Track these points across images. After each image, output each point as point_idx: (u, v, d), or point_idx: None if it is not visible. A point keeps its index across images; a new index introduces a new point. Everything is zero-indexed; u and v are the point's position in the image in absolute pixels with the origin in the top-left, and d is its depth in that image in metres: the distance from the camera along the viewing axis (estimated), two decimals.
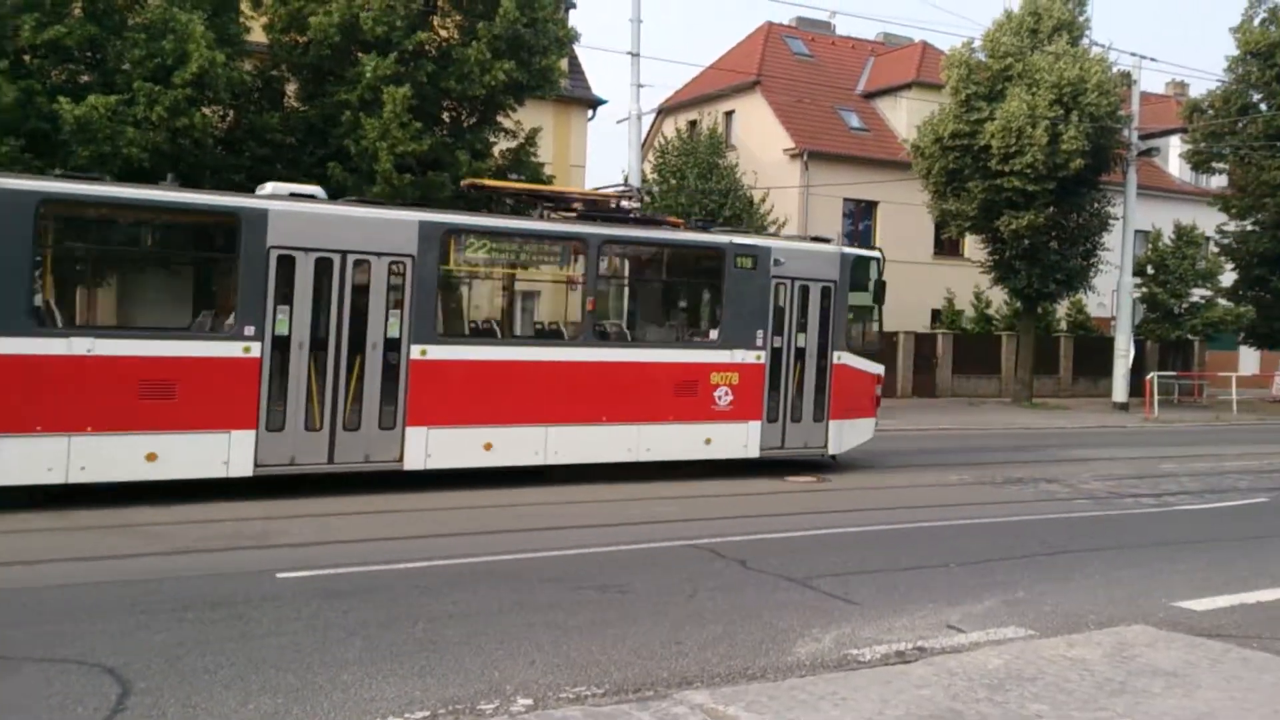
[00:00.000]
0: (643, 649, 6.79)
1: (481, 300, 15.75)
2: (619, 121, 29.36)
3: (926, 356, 33.13)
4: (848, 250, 15.91)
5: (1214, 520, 12.53)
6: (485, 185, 15.88)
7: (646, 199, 25.63)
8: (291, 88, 20.33)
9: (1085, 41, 29.36)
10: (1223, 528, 11.95)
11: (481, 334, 14.24)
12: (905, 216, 35.04)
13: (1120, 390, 30.84)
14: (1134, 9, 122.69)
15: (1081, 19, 29.51)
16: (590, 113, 31.08)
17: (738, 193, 28.40)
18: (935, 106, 30.54)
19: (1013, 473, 16.19)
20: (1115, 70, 29.48)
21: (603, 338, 14.16)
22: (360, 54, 18.69)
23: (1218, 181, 38.50)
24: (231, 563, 8.95)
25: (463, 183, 16.35)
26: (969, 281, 34.81)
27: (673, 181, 28.45)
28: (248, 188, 13.15)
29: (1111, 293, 32.54)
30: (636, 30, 22.13)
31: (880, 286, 16.15)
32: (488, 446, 12.88)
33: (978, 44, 29.34)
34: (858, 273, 15.73)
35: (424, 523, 10.97)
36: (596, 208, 15.08)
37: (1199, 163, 35.46)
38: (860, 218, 36.41)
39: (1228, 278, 35.24)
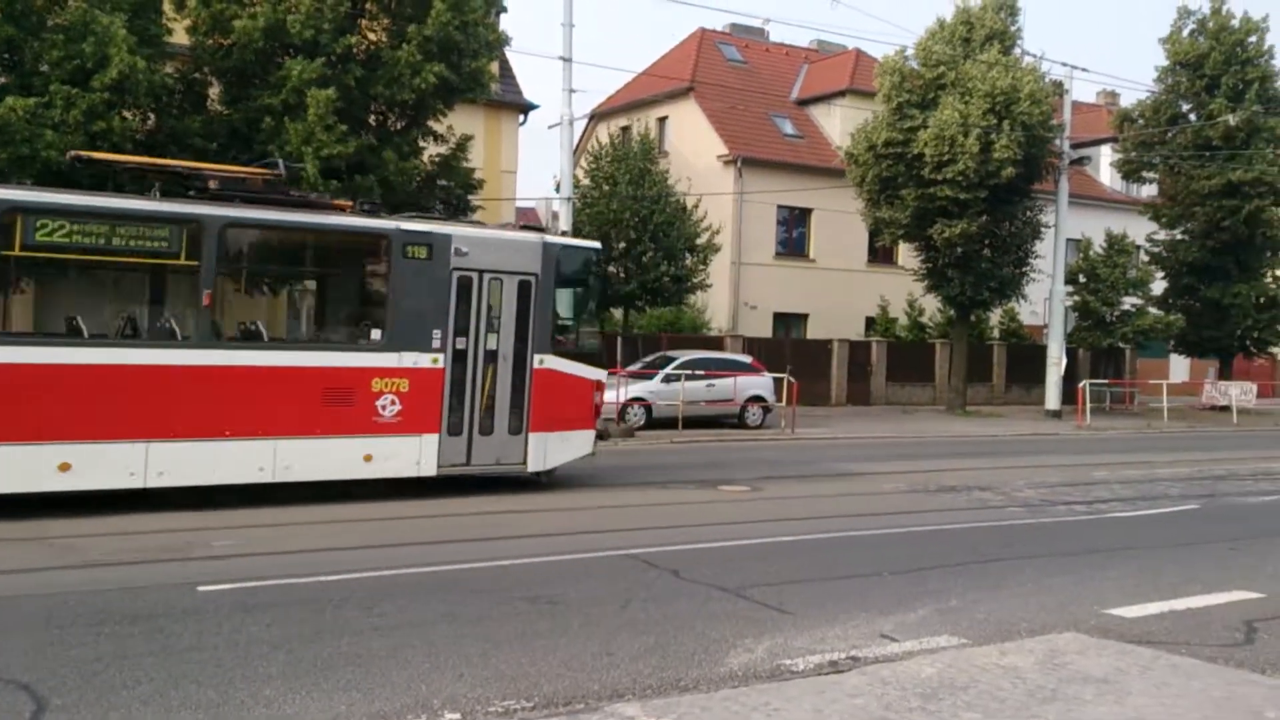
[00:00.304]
0: (573, 661, 6.66)
1: (59, 294, 13.95)
2: (551, 127, 29.18)
3: (861, 364, 33.37)
4: (553, 240, 14.34)
5: (1145, 527, 12.68)
6: (95, 158, 13.74)
7: (576, 204, 25.48)
8: (214, 91, 19.93)
9: (1017, 51, 29.81)
10: (1153, 535, 12.09)
11: (52, 334, 12.41)
12: (840, 224, 35.36)
13: (1053, 398, 31.32)
14: (1065, 20, 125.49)
15: (1013, 28, 29.94)
16: (522, 118, 30.93)
17: (670, 199, 28.37)
18: (869, 114, 30.85)
19: (946, 481, 16.28)
20: (1047, 80, 30.00)
21: (227, 338, 12.62)
22: (286, 58, 18.36)
23: (1148, 190, 39.39)
24: (152, 575, 8.72)
25: (69, 154, 14.16)
26: (903, 289, 35.18)
27: (605, 188, 28.35)
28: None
29: (1044, 301, 33.06)
30: (568, 35, 22.05)
31: (599, 281, 14.80)
32: (64, 467, 10.86)
33: (910, 52, 29.67)
34: (567, 266, 14.11)
35: (350, 534, 10.73)
36: (242, 186, 12.78)
37: (1129, 172, 36.27)
38: (795, 225, 36.66)
39: (1158, 286, 36.03)
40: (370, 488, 12.57)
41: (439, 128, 21.37)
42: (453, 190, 22.35)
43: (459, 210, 22.97)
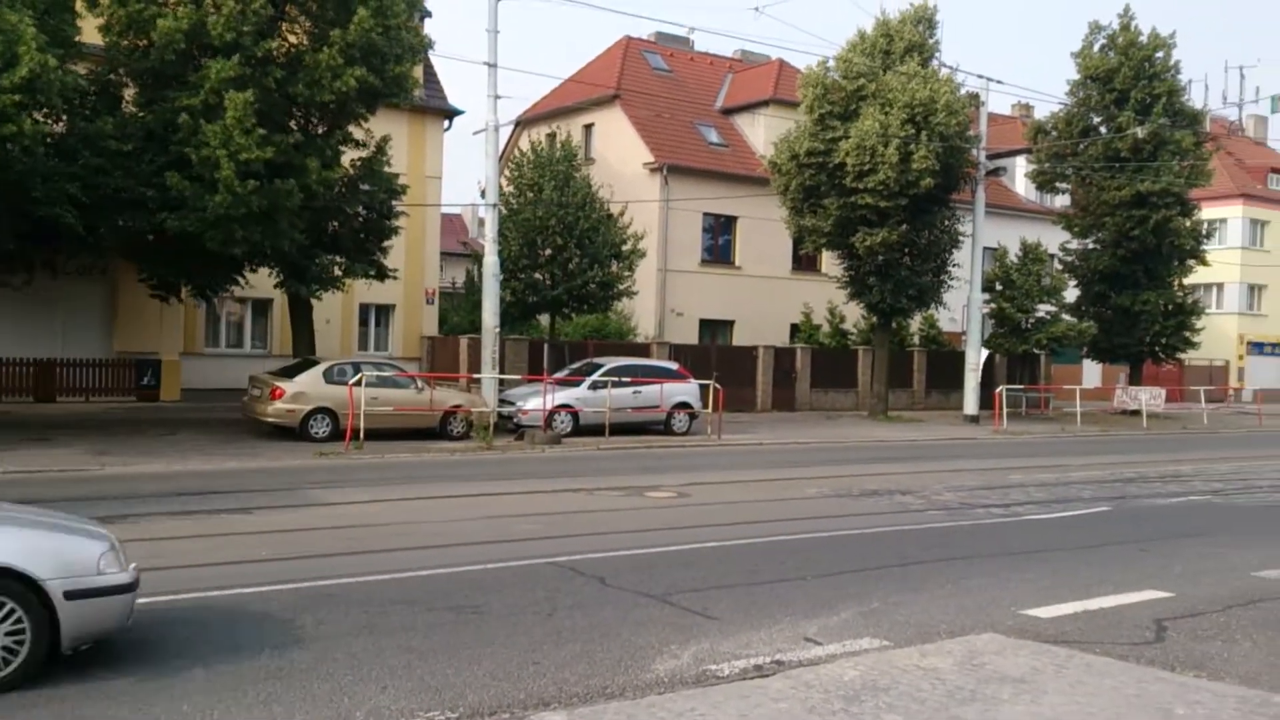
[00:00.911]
0: (499, 670, 6.62)
1: None
2: (476, 133, 29.01)
3: (786, 371, 33.71)
4: None
5: (1059, 529, 12.97)
6: None
7: (502, 210, 25.41)
8: (129, 92, 19.46)
9: (935, 63, 30.39)
10: (1067, 537, 12.37)
11: None
12: (764, 231, 35.72)
13: (971, 403, 31.95)
14: (981, 34, 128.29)
15: (931, 41, 30.54)
16: (446, 123, 30.79)
17: (595, 206, 28.37)
18: (792, 124, 31.21)
19: (869, 485, 16.50)
20: (964, 91, 30.63)
21: None
22: (205, 60, 18.01)
23: (1061, 201, 40.41)
24: None
25: None
26: (826, 296, 35.64)
27: (529, 194, 28.25)
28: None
29: (962, 308, 33.72)
30: (493, 41, 21.95)
31: None
32: None
33: (832, 64, 30.05)
34: None
35: (266, 545, 10.51)
36: None
37: (1043, 182, 37.14)
38: (720, 232, 36.92)
39: (1071, 294, 36.93)
40: (270, 500, 12.37)
41: (359, 133, 21.17)
42: (376, 195, 22.11)
43: (383, 216, 22.73)
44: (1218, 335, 50.49)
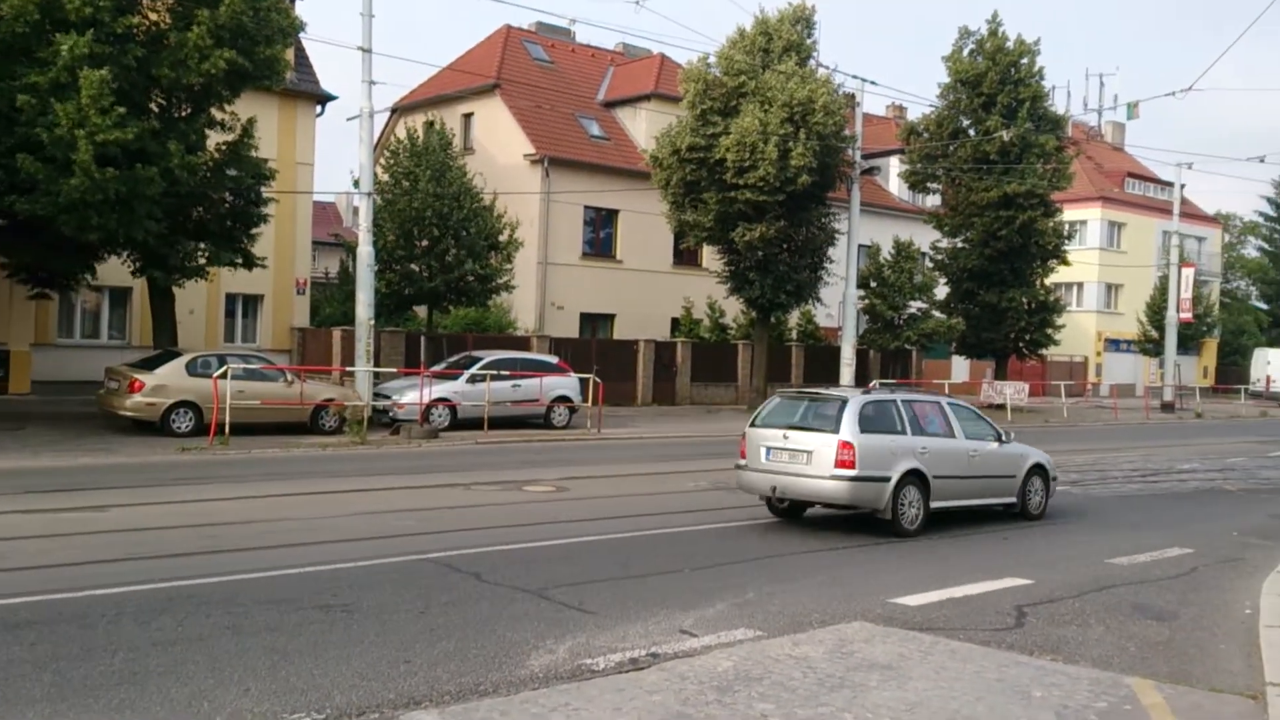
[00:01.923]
0: (368, 670, 6.45)
1: None
2: (350, 119, 28.34)
3: (666, 365, 33.87)
4: None
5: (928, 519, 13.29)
6: None
7: (377, 200, 24.89)
8: None
9: (813, 63, 30.89)
10: (936, 525, 12.71)
11: None
12: (646, 225, 35.81)
13: None
14: (858, 35, 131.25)
15: (809, 41, 31.05)
16: (319, 108, 29.98)
17: (474, 196, 28.00)
18: (673, 118, 31.36)
19: None
20: (840, 92, 31.21)
21: None
22: (57, 34, 17.08)
23: (933, 200, 41.55)
24: None
25: None
26: (707, 291, 35.93)
27: (405, 184, 27.71)
28: None
29: (838, 304, 34.41)
30: (368, 25, 21.46)
31: None
32: None
33: (713, 60, 30.29)
34: None
35: (119, 545, 10.03)
36: None
37: (915, 182, 38.18)
38: (601, 225, 36.88)
39: (942, 291, 38.08)
40: (127, 498, 11.87)
41: (225, 116, 20.43)
42: (243, 180, 21.36)
43: (250, 202, 21.98)
44: (1077, 332, 52.75)
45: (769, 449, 11.99)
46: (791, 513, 12.72)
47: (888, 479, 11.48)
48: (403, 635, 7.20)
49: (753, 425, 12.45)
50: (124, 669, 6.31)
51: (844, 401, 11.78)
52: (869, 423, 11.61)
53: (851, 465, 11.25)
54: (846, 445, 11.30)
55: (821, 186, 30.55)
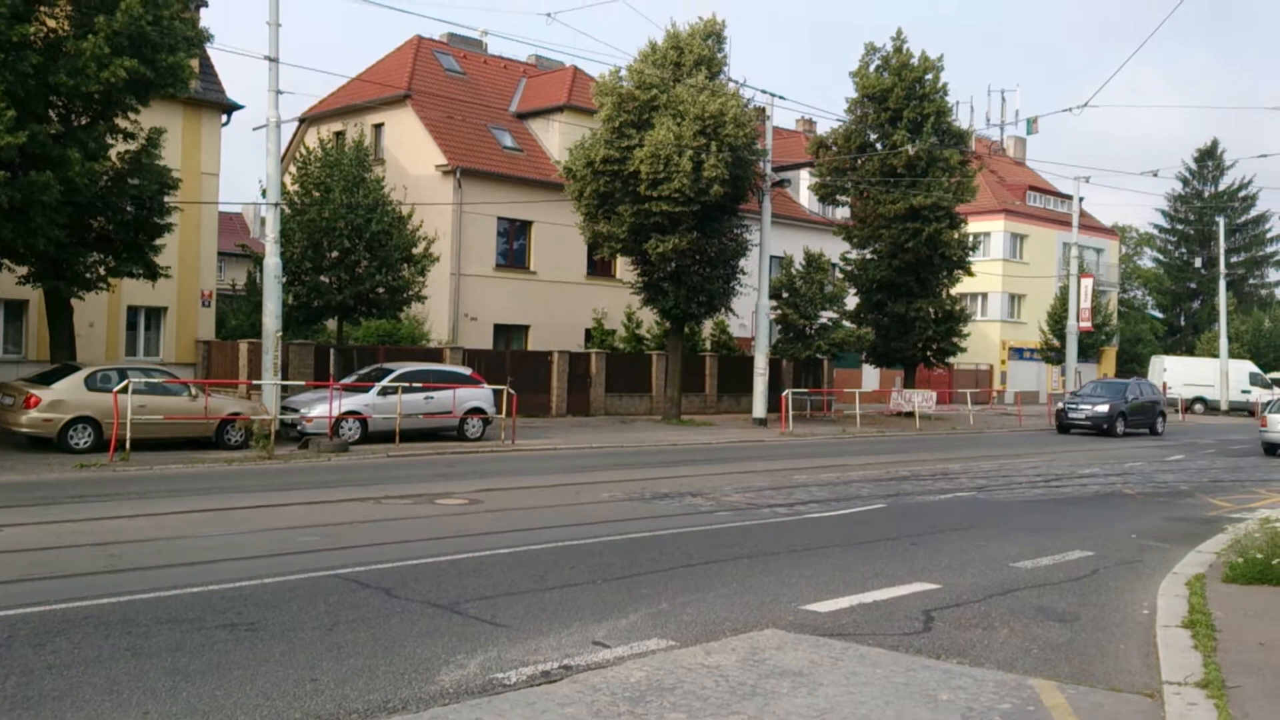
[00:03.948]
0: (273, 690, 6.31)
1: None
2: (257, 129, 27.78)
3: (580, 376, 33.82)
4: None
5: (839, 526, 13.50)
6: None
7: (286, 210, 24.43)
8: None
9: (723, 77, 31.19)
10: (846, 533, 12.89)
11: None
12: (559, 237, 35.80)
13: (759, 407, 32.97)
14: (766, 51, 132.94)
15: (720, 55, 31.32)
16: (225, 118, 29.34)
17: (386, 208, 27.68)
18: (586, 130, 31.39)
19: (661, 488, 16.72)
20: (750, 106, 31.57)
21: None
22: None
23: (842, 213, 42.25)
24: None
25: None
26: (621, 301, 36.00)
27: (315, 194, 27.25)
28: None
29: (751, 314, 34.75)
30: (274, 34, 21.11)
31: None
32: None
33: (625, 73, 30.40)
34: None
35: (13, 566, 9.64)
36: None
37: (825, 195, 38.79)
38: (515, 236, 36.74)
39: (852, 302, 38.71)
40: (20, 517, 11.45)
41: (128, 125, 19.89)
42: (146, 189, 20.80)
43: (153, 211, 21.42)
44: (982, 341, 54.10)
45: None
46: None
47: None
48: (309, 653, 7.05)
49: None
50: (16, 694, 6.08)
51: None
52: None
53: None
54: None
55: (734, 198, 30.83)
